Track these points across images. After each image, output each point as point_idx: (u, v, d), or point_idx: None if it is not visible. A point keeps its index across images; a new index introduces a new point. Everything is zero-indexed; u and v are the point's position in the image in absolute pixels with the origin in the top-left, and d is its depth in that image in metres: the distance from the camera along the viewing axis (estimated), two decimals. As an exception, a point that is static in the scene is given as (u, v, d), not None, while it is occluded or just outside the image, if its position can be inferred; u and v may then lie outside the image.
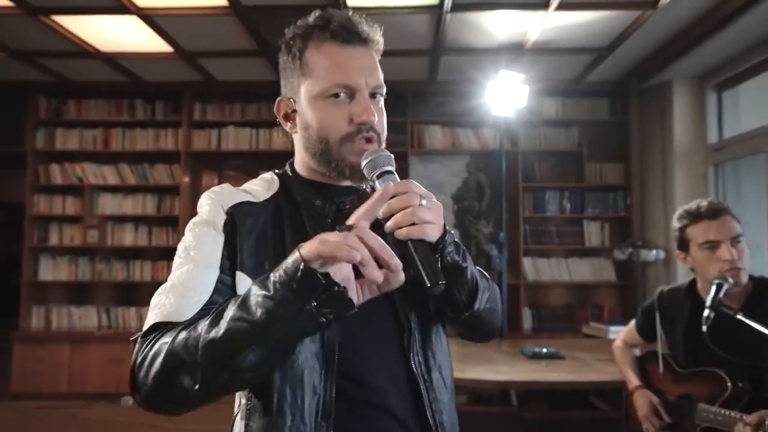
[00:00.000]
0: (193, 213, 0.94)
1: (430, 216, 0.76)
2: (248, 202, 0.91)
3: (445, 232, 0.82)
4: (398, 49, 4.01)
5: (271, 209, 0.91)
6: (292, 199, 0.93)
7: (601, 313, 4.69)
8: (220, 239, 0.87)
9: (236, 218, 0.88)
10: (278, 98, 0.95)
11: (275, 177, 0.98)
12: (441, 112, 4.94)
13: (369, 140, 0.89)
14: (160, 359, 0.76)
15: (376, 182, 0.84)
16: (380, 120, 0.91)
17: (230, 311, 0.72)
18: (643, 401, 1.76)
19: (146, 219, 4.94)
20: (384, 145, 0.92)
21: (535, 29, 3.58)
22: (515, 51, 3.97)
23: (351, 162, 0.88)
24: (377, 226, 0.75)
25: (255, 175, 1.03)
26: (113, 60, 4.19)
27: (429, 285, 0.73)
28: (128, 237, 4.90)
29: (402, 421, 0.85)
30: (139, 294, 4.97)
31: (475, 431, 2.16)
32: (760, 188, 3.82)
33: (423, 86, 4.79)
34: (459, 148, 4.88)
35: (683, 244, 1.72)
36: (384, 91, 0.93)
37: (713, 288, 1.51)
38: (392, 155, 0.86)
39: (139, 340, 0.82)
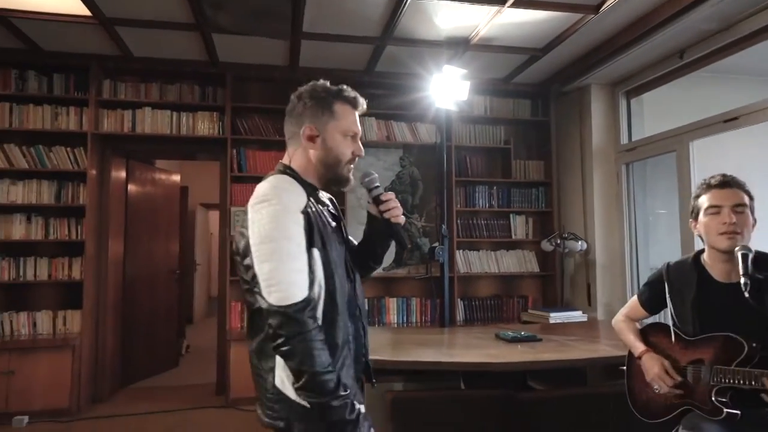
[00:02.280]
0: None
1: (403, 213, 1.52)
2: (306, 203, 1.35)
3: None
4: (346, 34, 3.90)
5: (309, 202, 1.36)
6: (308, 194, 1.38)
7: (526, 302, 4.95)
8: (301, 227, 1.29)
9: (308, 212, 1.33)
10: (304, 125, 1.43)
11: (293, 180, 1.40)
12: (377, 104, 4.89)
13: (352, 166, 1.49)
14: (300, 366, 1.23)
15: (372, 191, 1.50)
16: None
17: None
18: (652, 362, 1.85)
19: (42, 209, 4.28)
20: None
21: (485, 24, 3.67)
22: (459, 46, 4.05)
23: (347, 176, 1.47)
24: None
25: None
26: (6, 18, 3.56)
27: (408, 246, 1.41)
28: (18, 230, 4.21)
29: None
30: (32, 296, 4.29)
31: (473, 412, 2.14)
32: (669, 183, 4.29)
33: (360, 76, 4.71)
34: (393, 141, 4.86)
35: (695, 212, 1.86)
36: None
37: (739, 257, 1.64)
38: (377, 175, 1.52)
39: (305, 316, 1.24)
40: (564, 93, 4.99)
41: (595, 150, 4.73)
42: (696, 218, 1.85)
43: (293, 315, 1.20)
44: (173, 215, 5.78)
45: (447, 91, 4.05)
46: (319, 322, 1.26)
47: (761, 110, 3.41)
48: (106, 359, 4.47)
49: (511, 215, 5.01)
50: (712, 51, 3.76)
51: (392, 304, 4.79)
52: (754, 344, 1.64)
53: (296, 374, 1.21)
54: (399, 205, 1.48)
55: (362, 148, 1.49)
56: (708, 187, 1.81)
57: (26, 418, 3.85)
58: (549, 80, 4.90)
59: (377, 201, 1.48)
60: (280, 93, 4.81)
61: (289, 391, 1.25)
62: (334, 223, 1.42)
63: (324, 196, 1.50)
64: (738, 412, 1.65)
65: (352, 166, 1.46)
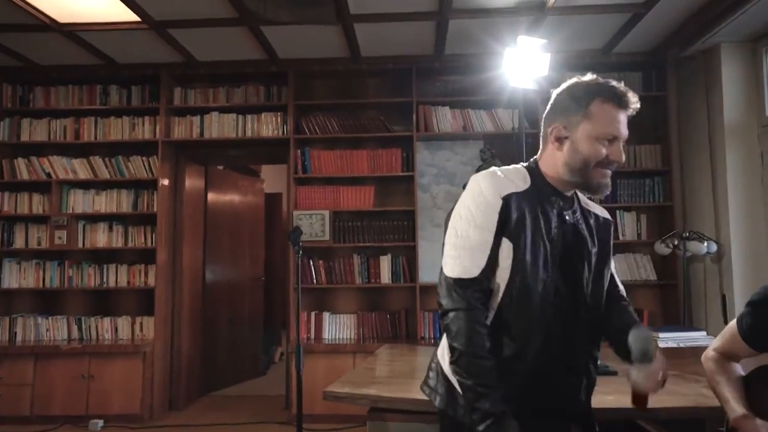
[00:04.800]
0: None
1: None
2: (514, 193, 1.30)
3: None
4: (399, 12, 3.46)
5: (527, 196, 1.31)
6: (538, 191, 1.32)
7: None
8: (496, 214, 1.28)
9: (509, 202, 1.28)
10: (553, 124, 1.32)
11: (526, 172, 1.35)
12: (450, 91, 4.37)
13: (608, 171, 1.31)
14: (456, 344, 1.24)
15: (640, 362, 1.20)
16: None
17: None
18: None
19: (122, 218, 4.41)
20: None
21: (561, -22, 3.01)
22: (535, 11, 3.40)
23: (599, 182, 1.30)
24: None
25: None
26: (74, 33, 3.68)
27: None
28: (102, 238, 4.38)
29: None
30: (115, 302, 4.44)
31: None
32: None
33: (429, 61, 4.23)
34: (471, 132, 4.29)
35: None
36: None
37: None
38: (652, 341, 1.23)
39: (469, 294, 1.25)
40: (685, 59, 4.02)
41: (728, 127, 3.72)
42: None
43: (453, 288, 1.26)
44: (258, 222, 5.76)
45: (524, 66, 3.41)
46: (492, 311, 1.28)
47: None
48: (182, 366, 4.47)
49: (617, 212, 4.15)
50: None
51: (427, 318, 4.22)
52: None
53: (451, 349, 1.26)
54: (658, 381, 1.23)
55: (623, 153, 1.29)
56: None
57: (101, 422, 3.93)
58: (663, 45, 3.98)
59: None
60: (345, 87, 4.53)
61: (445, 365, 1.33)
62: (565, 233, 1.32)
63: (582, 206, 1.40)
64: None
65: (608, 171, 1.29)
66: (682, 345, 2.89)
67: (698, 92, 3.97)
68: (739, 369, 1.38)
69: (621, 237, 4.14)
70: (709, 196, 3.86)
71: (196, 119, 4.41)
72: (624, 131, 1.28)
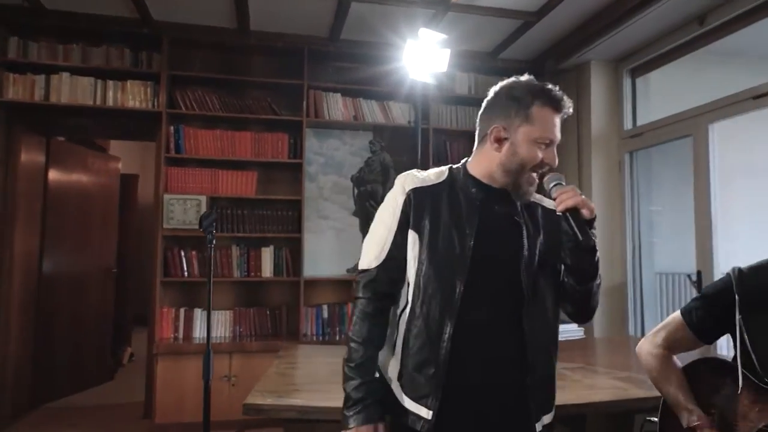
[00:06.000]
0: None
1: (588, 202, 1.21)
2: (421, 187, 1.32)
3: (594, 219, 1.22)
4: (300, -15, 3.22)
5: (436, 189, 1.32)
6: (451, 186, 1.33)
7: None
8: (399, 208, 1.30)
9: (413, 196, 1.30)
10: (494, 125, 1.29)
11: (446, 170, 1.37)
12: (343, 78, 4.20)
13: (536, 177, 1.30)
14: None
15: (552, 186, 1.26)
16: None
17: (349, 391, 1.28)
18: None
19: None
20: None
21: (469, -26, 3.02)
22: (438, 5, 3.39)
23: (526, 188, 1.29)
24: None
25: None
26: None
27: (582, 239, 1.17)
28: None
29: None
30: None
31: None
32: (677, 173, 3.68)
33: (323, 44, 4.02)
34: (362, 122, 4.17)
35: None
36: None
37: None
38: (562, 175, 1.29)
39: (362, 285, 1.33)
40: (560, 71, 4.34)
41: (594, 136, 4.10)
42: None
43: (356, 279, 1.34)
44: (111, 205, 5.03)
45: (423, 60, 3.38)
46: (400, 300, 1.32)
47: (801, 84, 2.80)
48: (7, 374, 3.69)
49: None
50: (738, 15, 3.14)
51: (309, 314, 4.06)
52: None
53: None
54: (572, 191, 1.21)
55: (556, 157, 1.29)
56: None
57: None
58: (543, 56, 4.25)
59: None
60: (229, 62, 4.09)
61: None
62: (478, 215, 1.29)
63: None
64: None
65: (535, 175, 1.29)
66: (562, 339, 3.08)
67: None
68: (679, 363, 1.42)
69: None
70: (575, 199, 4.21)
71: (39, 79, 3.67)
72: (559, 135, 1.28)
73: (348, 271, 4.17)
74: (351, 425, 1.23)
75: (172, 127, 3.83)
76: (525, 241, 1.28)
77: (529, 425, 1.25)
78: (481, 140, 1.33)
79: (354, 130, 4.28)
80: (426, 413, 1.21)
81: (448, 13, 3.48)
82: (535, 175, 1.28)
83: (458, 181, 1.32)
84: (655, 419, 1.41)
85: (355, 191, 4.26)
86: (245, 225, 3.89)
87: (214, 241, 2.12)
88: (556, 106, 1.26)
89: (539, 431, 1.26)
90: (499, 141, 1.28)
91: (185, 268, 3.80)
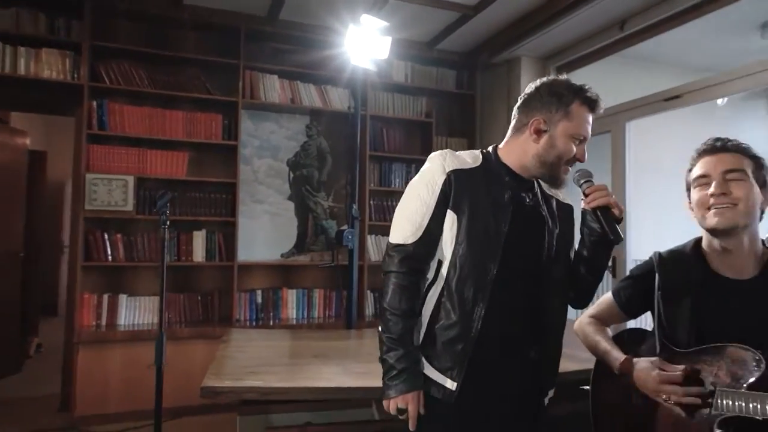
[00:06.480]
0: None
1: (618, 202, 1.36)
2: (460, 169, 1.38)
3: (621, 219, 1.36)
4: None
5: (474, 173, 1.38)
6: (486, 171, 1.40)
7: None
8: (439, 187, 1.35)
9: (453, 177, 1.36)
10: (534, 117, 1.37)
11: (479, 154, 1.44)
12: (281, 59, 4.11)
13: (569, 168, 1.41)
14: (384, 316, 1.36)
15: (583, 184, 1.41)
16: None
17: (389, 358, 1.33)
18: (647, 370, 1.34)
19: None
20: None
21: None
22: (381, -9, 3.41)
23: (563, 177, 1.40)
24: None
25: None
26: None
27: (612, 237, 1.32)
28: None
29: None
30: None
31: None
32: (597, 167, 3.96)
33: (261, 23, 3.90)
34: (299, 106, 4.12)
35: (687, 189, 1.44)
36: None
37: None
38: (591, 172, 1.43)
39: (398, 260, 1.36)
40: (492, 65, 4.51)
41: (522, 129, 4.31)
42: (690, 197, 1.40)
43: (388, 252, 1.38)
44: (17, 185, 4.62)
45: (365, 46, 3.39)
46: (428, 274, 1.38)
47: (705, 88, 3.12)
48: None
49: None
50: (654, 23, 3.42)
51: (290, 296, 4.07)
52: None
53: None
54: (604, 189, 1.36)
55: (586, 153, 1.40)
56: (698, 154, 1.40)
57: None
58: (477, 49, 4.40)
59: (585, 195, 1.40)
60: (159, 35, 3.84)
61: None
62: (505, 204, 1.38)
63: (543, 190, 1.47)
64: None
65: (570, 167, 1.40)
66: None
67: (500, 96, 4.50)
68: (609, 331, 1.58)
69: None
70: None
71: (-62, 41, 3.30)
72: (590, 133, 1.40)
73: (282, 255, 4.13)
74: (394, 395, 1.28)
75: (94, 102, 3.58)
76: (546, 231, 1.40)
77: (540, 399, 1.40)
78: (518, 130, 1.41)
79: (291, 114, 4.21)
80: (451, 384, 1.30)
81: (390, 0, 3.51)
82: (568, 168, 1.39)
83: (492, 168, 1.40)
84: (587, 387, 1.55)
85: (291, 175, 4.21)
86: (176, 208, 3.73)
87: (167, 222, 2.03)
88: (593, 106, 1.37)
89: (546, 404, 1.41)
90: (539, 133, 1.36)
91: (109, 252, 3.59)
